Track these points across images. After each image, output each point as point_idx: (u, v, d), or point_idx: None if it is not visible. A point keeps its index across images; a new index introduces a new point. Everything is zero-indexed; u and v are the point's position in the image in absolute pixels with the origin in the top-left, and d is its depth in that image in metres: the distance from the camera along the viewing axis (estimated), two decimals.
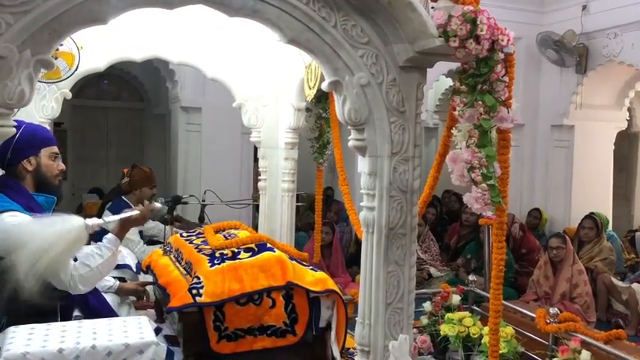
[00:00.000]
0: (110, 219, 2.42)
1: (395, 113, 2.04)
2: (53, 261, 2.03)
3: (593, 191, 7.33)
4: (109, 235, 2.40)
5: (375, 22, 2.00)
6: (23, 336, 1.93)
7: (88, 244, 2.39)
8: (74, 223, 2.14)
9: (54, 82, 3.11)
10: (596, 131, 7.36)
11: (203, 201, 4.57)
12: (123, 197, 4.23)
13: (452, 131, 2.15)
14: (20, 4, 1.65)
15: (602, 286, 5.73)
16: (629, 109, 7.85)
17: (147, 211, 2.51)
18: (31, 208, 2.32)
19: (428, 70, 2.12)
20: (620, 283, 5.78)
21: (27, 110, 2.66)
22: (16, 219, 2.21)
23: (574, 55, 6.76)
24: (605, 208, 7.35)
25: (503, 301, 2.35)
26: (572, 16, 6.83)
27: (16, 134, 2.08)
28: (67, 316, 2.47)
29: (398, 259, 2.08)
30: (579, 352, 2.96)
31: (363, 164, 2.10)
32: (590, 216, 6.40)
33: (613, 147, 7.64)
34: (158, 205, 2.73)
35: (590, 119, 7.28)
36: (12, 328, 1.99)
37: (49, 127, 3.02)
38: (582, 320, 4.01)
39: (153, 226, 4.69)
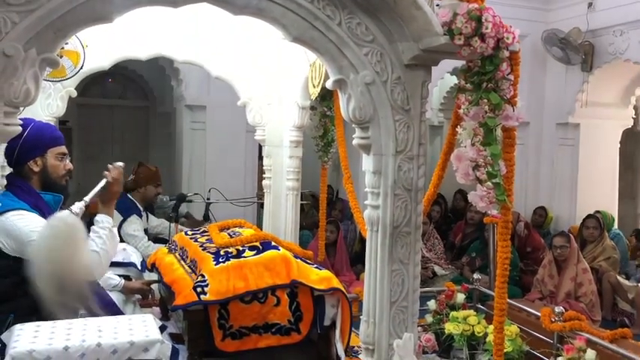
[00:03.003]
0: (88, 196, 2.31)
1: (399, 111, 2.04)
2: (69, 263, 2.02)
3: (598, 190, 7.31)
4: (97, 216, 2.39)
5: (379, 20, 1.99)
6: (29, 334, 1.93)
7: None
8: (57, 221, 2.10)
9: (59, 81, 3.12)
10: (601, 129, 7.33)
11: (208, 199, 4.58)
12: (128, 195, 4.24)
13: (457, 129, 2.14)
14: (25, 3, 1.66)
15: (607, 285, 5.71)
16: (635, 107, 7.80)
17: (117, 174, 2.40)
18: (39, 206, 2.32)
19: (433, 68, 2.12)
20: (626, 282, 5.76)
21: (32, 109, 2.66)
22: (23, 217, 2.22)
23: (580, 52, 6.73)
24: (611, 206, 7.32)
25: (508, 300, 2.35)
26: (578, 13, 6.80)
27: (23, 134, 2.08)
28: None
29: (402, 257, 2.08)
30: (584, 351, 2.95)
31: (367, 163, 2.10)
32: (594, 215, 6.38)
33: (619, 145, 7.61)
34: (119, 163, 2.50)
35: (595, 117, 7.25)
36: (18, 326, 2.00)
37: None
38: (587, 319, 4.01)
39: (158, 224, 4.70)
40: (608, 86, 7.20)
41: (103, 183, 2.36)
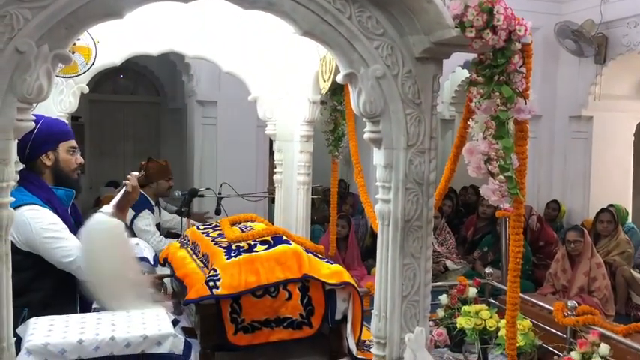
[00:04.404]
0: (113, 202, 2.49)
1: (411, 105, 2.03)
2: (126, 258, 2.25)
3: (612, 183, 7.25)
4: None
5: (390, 14, 1.98)
6: (44, 327, 1.96)
7: None
8: (97, 226, 2.26)
9: (71, 77, 3.14)
10: (615, 122, 7.26)
11: (219, 194, 4.59)
12: (140, 191, 4.26)
13: (468, 123, 2.13)
14: None
15: (621, 280, 5.67)
16: None
17: (134, 183, 2.54)
18: (51, 201, 2.35)
19: (444, 61, 2.10)
20: None
21: (45, 105, 2.68)
22: (37, 213, 2.25)
23: (593, 44, 6.66)
24: (625, 200, 7.26)
25: (521, 294, 2.34)
26: (591, 5, 6.72)
27: (34, 129, 2.11)
28: (86, 308, 2.51)
29: (414, 251, 2.08)
30: (598, 345, 2.93)
31: (378, 157, 2.09)
32: (608, 209, 6.32)
33: (633, 138, 7.53)
34: (134, 173, 2.67)
35: (609, 110, 7.18)
36: (33, 320, 2.02)
37: (66, 122, 3.05)
38: (601, 313, 3.98)
39: (170, 219, 4.73)
40: (621, 78, 7.12)
41: (123, 190, 2.50)
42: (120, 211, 2.46)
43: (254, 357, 2.47)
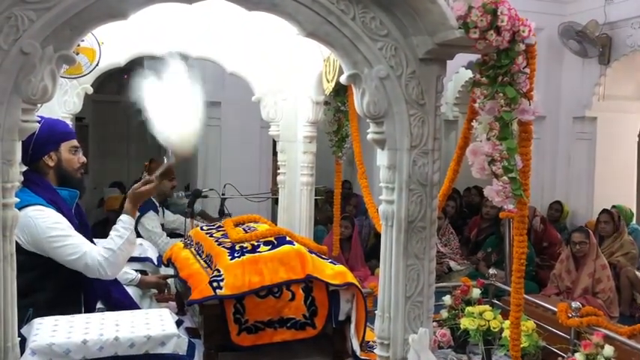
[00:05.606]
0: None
1: (414, 106, 2.03)
2: None
3: (616, 184, 7.23)
4: (122, 216, 2.48)
5: (394, 14, 1.98)
6: (48, 328, 1.96)
7: (108, 231, 2.46)
8: None
9: (75, 78, 3.15)
10: (619, 123, 7.24)
11: (223, 195, 4.60)
12: None
13: (472, 124, 2.13)
14: (42, 0, 1.67)
15: (625, 281, 5.66)
16: None
17: (155, 181, 2.59)
18: (55, 202, 2.35)
19: (447, 62, 2.10)
20: None
21: (49, 106, 2.69)
22: (42, 213, 2.26)
23: (597, 45, 6.65)
24: (630, 200, 7.24)
25: (525, 295, 2.33)
26: (595, 5, 6.71)
27: (35, 130, 2.12)
28: (90, 309, 2.51)
29: (417, 252, 2.07)
30: (602, 347, 2.92)
31: (382, 157, 2.09)
32: (607, 210, 6.31)
33: (637, 139, 7.51)
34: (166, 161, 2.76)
35: (613, 111, 7.16)
36: (37, 320, 2.03)
37: (70, 122, 3.06)
38: (605, 315, 3.96)
39: (174, 220, 4.74)
40: (626, 79, 7.11)
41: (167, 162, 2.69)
42: (132, 206, 2.52)
43: (257, 357, 2.47)
